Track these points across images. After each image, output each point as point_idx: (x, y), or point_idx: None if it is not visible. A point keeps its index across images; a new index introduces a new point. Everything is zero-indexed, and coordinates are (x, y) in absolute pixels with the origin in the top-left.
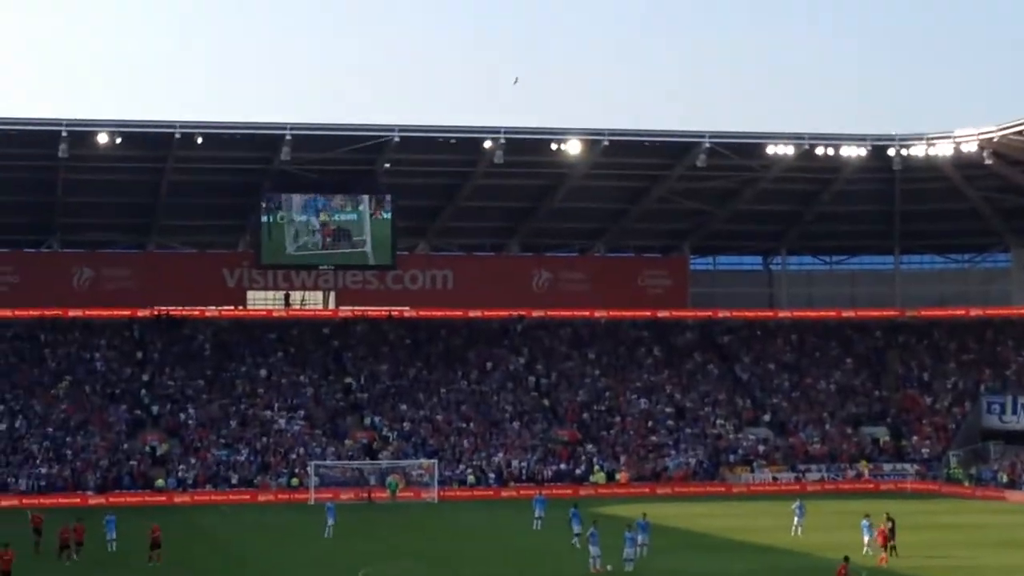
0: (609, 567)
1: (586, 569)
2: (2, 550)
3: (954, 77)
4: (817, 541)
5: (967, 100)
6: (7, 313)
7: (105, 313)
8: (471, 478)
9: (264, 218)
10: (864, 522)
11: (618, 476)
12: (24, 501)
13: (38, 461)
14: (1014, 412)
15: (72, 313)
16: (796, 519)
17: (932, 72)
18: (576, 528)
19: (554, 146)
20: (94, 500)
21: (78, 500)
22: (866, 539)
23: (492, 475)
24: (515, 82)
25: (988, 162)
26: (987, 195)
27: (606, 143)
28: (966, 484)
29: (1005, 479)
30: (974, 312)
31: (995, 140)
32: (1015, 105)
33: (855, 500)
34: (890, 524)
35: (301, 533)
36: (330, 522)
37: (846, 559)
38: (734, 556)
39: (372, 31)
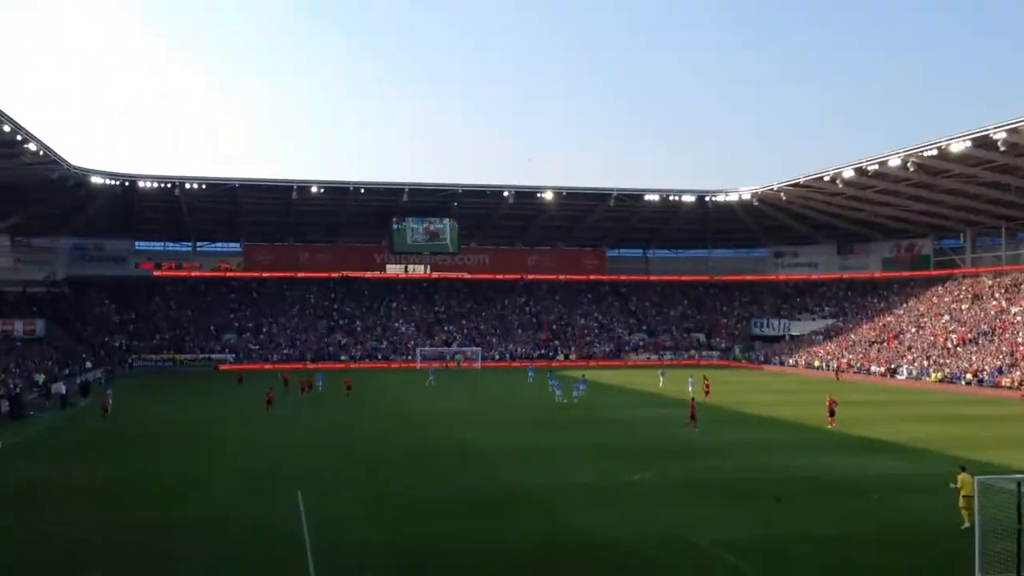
0: (565, 400)
1: (554, 401)
2: (268, 389)
3: (737, 156)
4: (671, 389)
5: (748, 168)
6: (267, 274)
7: (315, 275)
8: (496, 356)
9: (395, 227)
10: (689, 379)
11: (570, 356)
12: (276, 366)
13: (283, 347)
14: (768, 326)
15: (300, 275)
16: (661, 379)
17: (729, 151)
18: (551, 382)
19: (539, 195)
20: (311, 365)
21: (303, 366)
22: (690, 388)
23: (507, 356)
24: (529, 160)
25: (755, 203)
26: (755, 219)
27: (564, 193)
28: (744, 361)
29: (762, 359)
30: (748, 278)
31: (759, 193)
32: (772, 172)
33: (688, 369)
34: (706, 382)
35: (416, 383)
36: (431, 378)
37: (692, 399)
38: (632, 395)
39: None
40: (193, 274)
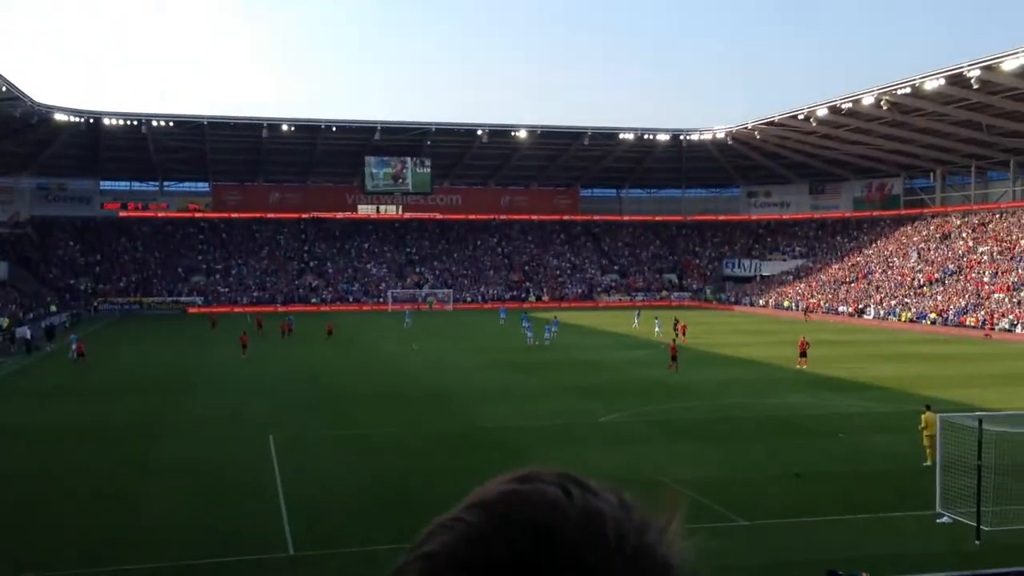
0: (536, 342)
1: (524, 344)
2: (242, 334)
3: (712, 95)
4: (646, 330)
5: (721, 105)
6: (236, 214)
7: (285, 215)
8: (468, 298)
9: (366, 168)
10: (656, 320)
11: (543, 298)
12: (246, 309)
13: (252, 290)
14: (739, 267)
15: (270, 215)
16: (636, 320)
17: (705, 89)
18: (525, 324)
19: (513, 133)
20: (282, 308)
21: (273, 308)
22: (657, 330)
23: (479, 297)
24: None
25: (729, 142)
26: (728, 158)
27: (539, 132)
28: (715, 302)
29: (733, 299)
30: (721, 218)
31: (734, 132)
32: (747, 110)
33: (660, 310)
34: (682, 325)
35: (391, 325)
36: (408, 320)
37: (674, 340)
38: (604, 336)
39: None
40: (160, 215)
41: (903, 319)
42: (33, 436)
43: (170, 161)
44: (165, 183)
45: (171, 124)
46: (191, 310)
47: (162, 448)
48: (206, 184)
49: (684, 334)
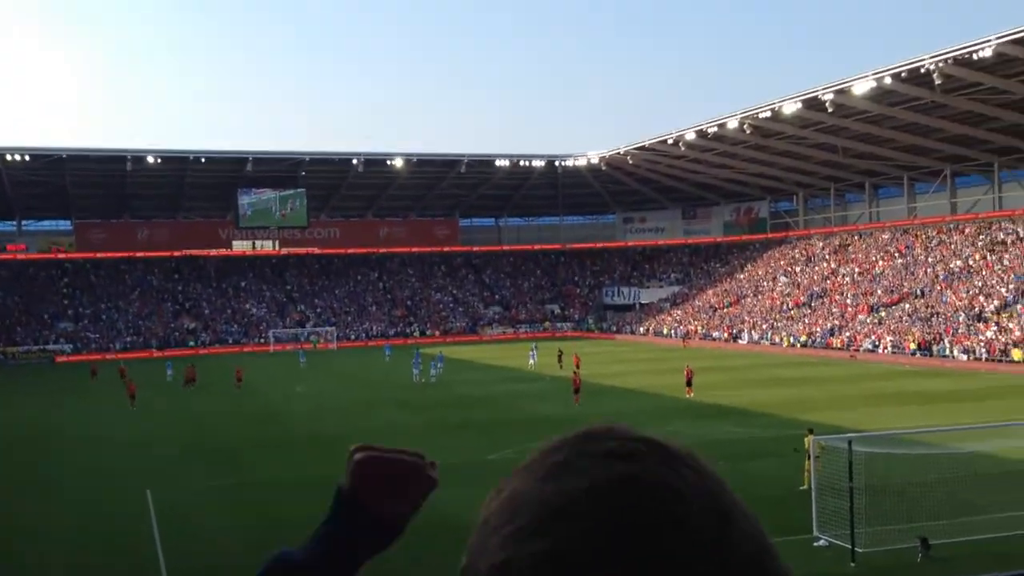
0: (423, 380)
1: (411, 381)
2: (129, 382)
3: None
4: (542, 363)
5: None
6: (103, 254)
7: (156, 254)
8: (352, 335)
9: (239, 200)
10: (532, 351)
11: (428, 332)
12: (119, 356)
13: (125, 335)
14: (618, 295)
15: (139, 254)
16: (533, 354)
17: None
18: (416, 361)
19: (389, 162)
20: (157, 353)
21: (149, 354)
22: (531, 361)
23: (363, 334)
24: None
25: (603, 168)
26: (603, 184)
27: (415, 160)
28: (597, 331)
29: (614, 328)
30: (598, 245)
31: (607, 157)
32: (618, 135)
33: (546, 341)
34: (559, 352)
35: (275, 366)
36: (302, 360)
37: (575, 372)
38: (489, 371)
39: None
40: (20, 256)
41: (774, 343)
42: None
43: (28, 197)
44: (23, 222)
45: (27, 158)
46: (60, 359)
47: (29, 508)
48: (68, 222)
49: (578, 366)
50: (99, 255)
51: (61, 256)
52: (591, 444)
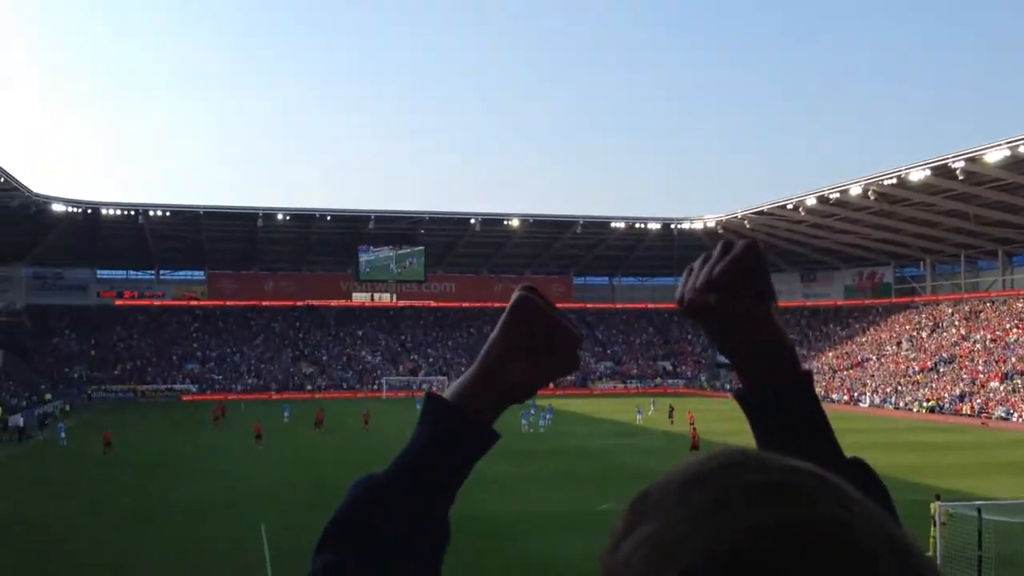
0: (531, 430)
1: (519, 431)
2: (256, 423)
3: (705, 186)
4: (648, 419)
5: (714, 197)
6: (232, 302)
7: (280, 303)
8: None
9: (360, 256)
10: (638, 409)
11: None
12: (239, 397)
13: (246, 377)
14: None
15: (265, 303)
16: (652, 408)
17: (693, 182)
18: (524, 420)
19: (505, 222)
20: (276, 396)
21: (268, 396)
22: (639, 416)
23: None
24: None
25: (719, 231)
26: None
27: (531, 221)
28: (709, 389)
29: (727, 387)
30: None
31: (723, 221)
32: (735, 201)
33: (658, 397)
34: (671, 408)
35: (390, 412)
36: (419, 406)
37: (693, 428)
38: (598, 423)
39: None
40: (156, 303)
41: (898, 407)
42: (24, 527)
43: (166, 250)
44: (161, 271)
45: (167, 214)
46: (185, 398)
47: (151, 537)
48: (201, 272)
49: (692, 423)
50: (228, 303)
51: (193, 303)
52: (742, 476)
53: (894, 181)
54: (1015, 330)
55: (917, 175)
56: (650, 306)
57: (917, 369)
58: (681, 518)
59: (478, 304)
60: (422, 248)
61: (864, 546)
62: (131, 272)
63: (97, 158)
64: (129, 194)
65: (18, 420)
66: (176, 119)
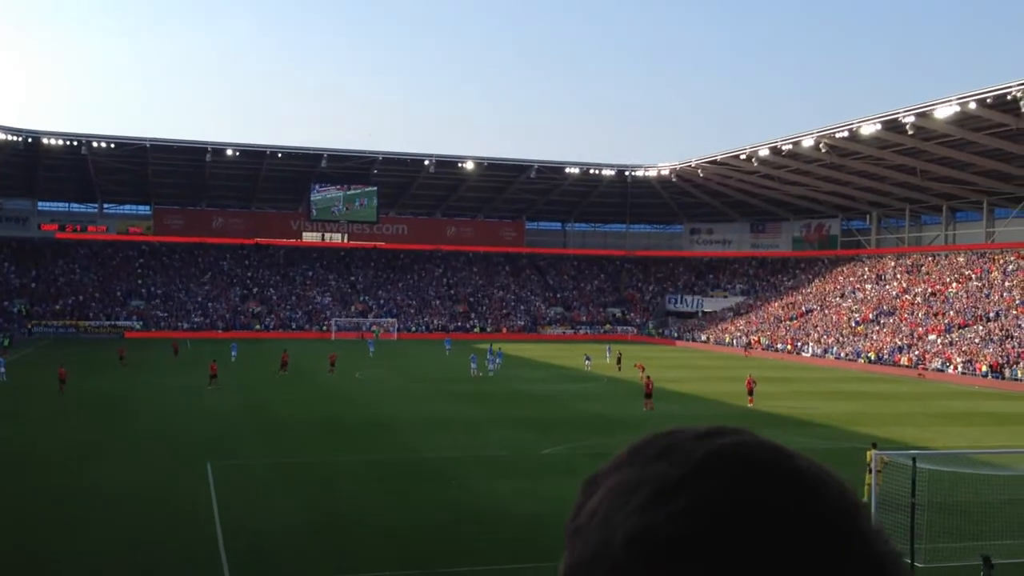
0: (480, 374)
1: (468, 375)
2: (212, 362)
3: (662, 131)
4: (595, 365)
5: (667, 143)
6: (178, 238)
7: (229, 240)
8: (413, 327)
9: (312, 195)
10: (586, 356)
11: (487, 329)
12: (184, 335)
13: (193, 315)
14: (681, 303)
15: (213, 240)
16: (607, 355)
17: (645, 131)
18: (492, 358)
19: (460, 164)
20: (223, 335)
21: (213, 334)
22: (587, 362)
23: (424, 327)
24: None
25: (673, 179)
26: (671, 195)
27: (486, 164)
28: (657, 337)
29: (675, 335)
30: (664, 254)
31: (677, 169)
32: (692, 148)
33: (603, 344)
34: (618, 354)
35: (353, 353)
36: (371, 349)
37: (647, 376)
38: (547, 368)
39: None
40: (99, 237)
41: (839, 357)
42: None
43: (110, 183)
44: (105, 205)
45: (112, 145)
46: (129, 334)
47: (99, 473)
48: (147, 207)
49: (643, 371)
50: (175, 239)
51: (138, 239)
52: (686, 430)
53: (846, 134)
54: (955, 284)
55: (868, 128)
56: (602, 252)
57: (859, 320)
58: (636, 466)
59: (430, 247)
60: (375, 189)
61: (796, 459)
62: (73, 205)
63: (43, 88)
64: (72, 125)
65: None
66: (125, 48)
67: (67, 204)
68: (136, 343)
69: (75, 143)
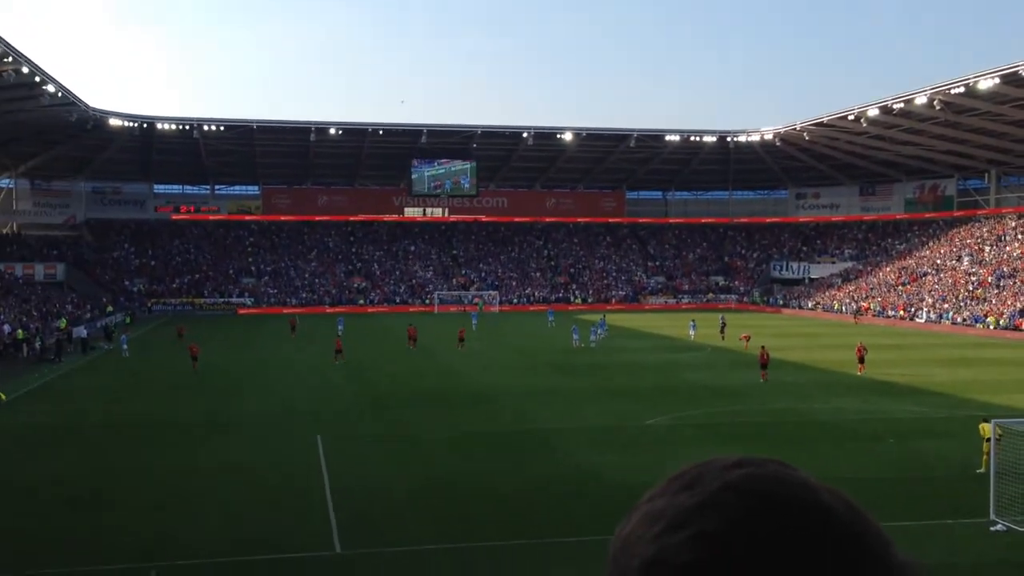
0: (583, 345)
1: (570, 345)
2: (337, 338)
3: (762, 94)
4: (699, 335)
5: (771, 107)
6: (286, 217)
7: (333, 218)
8: (514, 300)
9: (413, 171)
10: (692, 322)
11: (588, 300)
12: (294, 310)
13: (301, 291)
14: (787, 269)
15: (318, 218)
16: (692, 329)
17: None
18: (575, 335)
19: (558, 136)
20: (330, 310)
21: (321, 310)
22: (692, 332)
23: (526, 299)
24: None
25: (777, 143)
26: (775, 160)
27: (584, 134)
28: (762, 304)
29: (780, 302)
30: (768, 220)
31: (781, 133)
32: (796, 111)
33: (707, 312)
34: (722, 322)
35: (444, 325)
36: (474, 321)
37: (763, 347)
38: (650, 339)
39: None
40: (211, 217)
41: (956, 322)
42: (89, 435)
43: (221, 164)
44: (216, 186)
45: (221, 128)
46: (241, 311)
47: (214, 447)
48: (256, 187)
49: (747, 340)
50: (282, 218)
51: (248, 218)
52: (717, 461)
53: (961, 90)
54: None
55: (986, 83)
56: (703, 221)
57: (977, 284)
58: (667, 495)
59: (530, 219)
60: (474, 163)
61: (820, 493)
62: (187, 187)
63: (157, 74)
64: (185, 109)
65: (81, 331)
66: (232, 37)
67: (181, 186)
68: (249, 319)
69: (187, 127)
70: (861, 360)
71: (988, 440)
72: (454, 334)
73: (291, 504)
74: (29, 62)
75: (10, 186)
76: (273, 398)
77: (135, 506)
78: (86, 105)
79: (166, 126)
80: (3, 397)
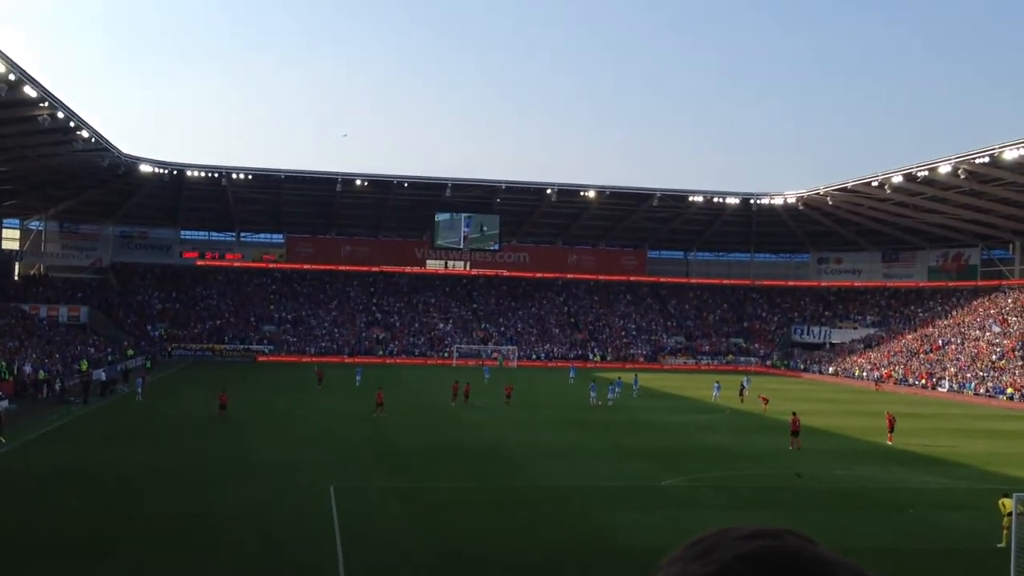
0: (600, 403)
1: (588, 403)
2: (378, 391)
3: (784, 161)
4: (719, 396)
5: (791, 173)
6: (309, 266)
7: (355, 268)
8: (533, 355)
9: (435, 224)
10: (715, 384)
11: (607, 358)
12: (313, 359)
13: (320, 340)
14: (808, 334)
15: (341, 267)
16: (716, 390)
17: (773, 158)
18: (592, 393)
19: (581, 193)
20: (348, 360)
21: (340, 359)
22: (715, 394)
23: (544, 355)
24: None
25: (800, 207)
26: (798, 223)
27: (607, 192)
28: (782, 368)
29: (801, 366)
30: (790, 283)
31: (804, 197)
32: (816, 177)
33: (727, 375)
34: (742, 384)
35: (474, 376)
36: (487, 375)
37: (794, 413)
38: (667, 399)
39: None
40: (235, 264)
41: (978, 393)
42: (103, 477)
43: (247, 212)
44: (242, 233)
45: (249, 177)
46: (260, 358)
47: (222, 493)
48: (280, 235)
49: (767, 403)
50: (305, 267)
51: (271, 266)
52: (733, 530)
53: (986, 160)
54: None
55: (1011, 153)
56: (725, 282)
57: (1001, 355)
58: (682, 563)
59: (551, 275)
60: (497, 216)
61: (837, 568)
62: (213, 233)
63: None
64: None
65: (100, 374)
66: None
67: (207, 232)
68: (268, 367)
69: (216, 175)
70: (891, 429)
71: (1009, 515)
72: (473, 388)
73: (301, 556)
74: (64, 107)
75: (40, 228)
76: (289, 447)
77: (141, 553)
78: (118, 151)
79: (195, 173)
80: (2, 440)
